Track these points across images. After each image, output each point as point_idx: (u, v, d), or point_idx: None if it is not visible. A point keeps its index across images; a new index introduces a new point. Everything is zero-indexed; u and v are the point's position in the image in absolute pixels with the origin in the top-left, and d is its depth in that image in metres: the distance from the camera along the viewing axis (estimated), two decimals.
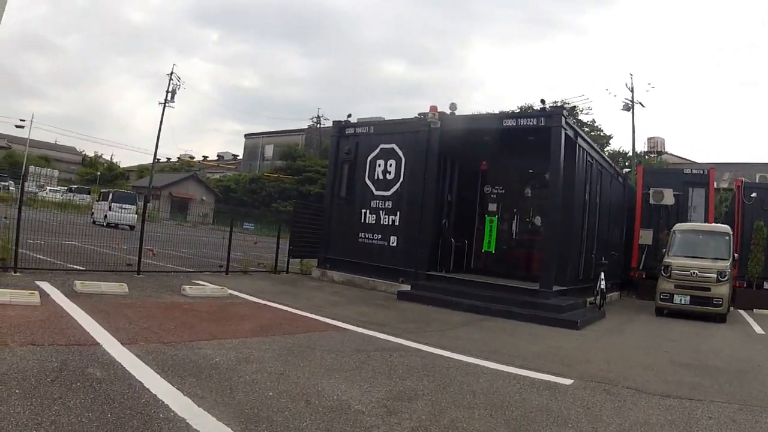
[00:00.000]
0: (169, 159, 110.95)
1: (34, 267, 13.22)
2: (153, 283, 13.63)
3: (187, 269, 17.01)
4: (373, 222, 18.49)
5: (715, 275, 16.78)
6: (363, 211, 18.82)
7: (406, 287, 16.55)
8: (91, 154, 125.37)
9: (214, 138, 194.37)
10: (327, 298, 14.80)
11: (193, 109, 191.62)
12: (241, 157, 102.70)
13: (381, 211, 18.35)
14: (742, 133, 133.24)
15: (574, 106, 57.02)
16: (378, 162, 18.62)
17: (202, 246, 20.35)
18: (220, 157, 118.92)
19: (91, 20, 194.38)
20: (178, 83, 72.27)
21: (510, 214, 18.73)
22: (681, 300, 17.02)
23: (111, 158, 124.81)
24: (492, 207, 18.85)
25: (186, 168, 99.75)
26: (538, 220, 18.30)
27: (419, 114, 17.84)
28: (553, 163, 15.44)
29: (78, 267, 14.23)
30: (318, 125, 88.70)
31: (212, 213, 44.51)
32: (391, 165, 18.30)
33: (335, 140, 20.37)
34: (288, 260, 20.08)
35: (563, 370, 8.66)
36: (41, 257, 14.32)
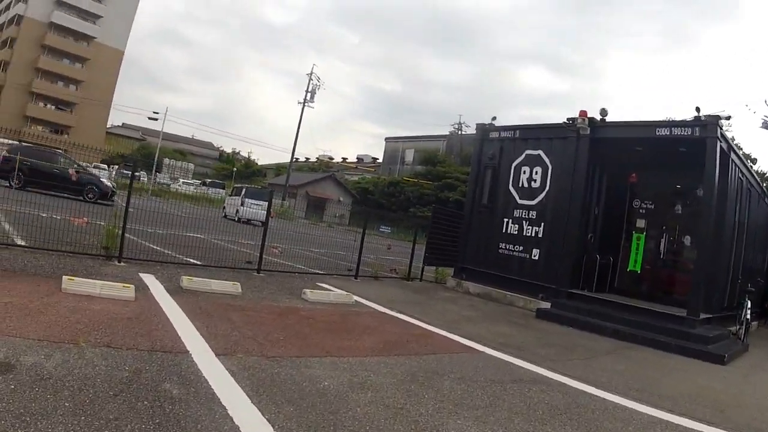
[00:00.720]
0: (307, 159, 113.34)
1: (142, 258, 12.27)
2: (272, 284, 12.88)
3: (314, 270, 16.38)
4: (515, 233, 17.37)
5: None
6: (505, 220, 17.72)
7: (546, 305, 15.43)
8: (229, 150, 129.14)
9: (352, 139, 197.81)
10: (461, 312, 13.84)
11: (332, 110, 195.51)
12: (380, 160, 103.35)
13: (524, 222, 17.23)
14: None
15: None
16: (523, 169, 17.52)
17: (334, 247, 19.69)
18: (359, 159, 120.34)
19: (230, 17, 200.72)
20: (318, 83, 74.11)
21: (658, 232, 17.03)
22: None
23: (248, 155, 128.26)
24: (640, 223, 17.35)
25: (324, 168, 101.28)
26: (687, 240, 16.67)
27: (567, 119, 16.66)
28: (708, 178, 13.95)
29: (194, 261, 13.66)
30: (459, 132, 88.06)
31: (348, 214, 44.35)
32: (536, 173, 17.16)
33: (478, 144, 19.40)
34: (422, 268, 19.29)
35: (716, 417, 7.54)
36: (156, 248, 13.96)
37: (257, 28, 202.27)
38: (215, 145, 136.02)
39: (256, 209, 30.07)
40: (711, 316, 14.75)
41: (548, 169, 16.90)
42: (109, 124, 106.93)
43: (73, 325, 6.71)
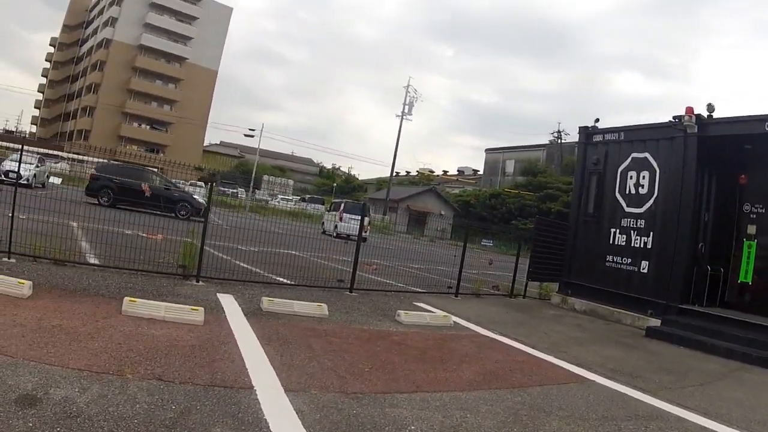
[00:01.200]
0: (408, 173, 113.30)
1: (223, 277, 11.68)
2: (364, 304, 12.03)
3: (412, 288, 15.49)
4: (623, 243, 16.01)
5: None
6: (612, 230, 16.39)
7: (656, 322, 14.10)
8: (329, 166, 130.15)
9: (451, 152, 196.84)
10: (567, 333, 12.68)
11: (431, 124, 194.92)
12: (481, 172, 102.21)
13: (632, 231, 15.86)
14: None
15: None
16: (629, 173, 16.16)
17: (435, 262, 18.40)
18: (460, 171, 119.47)
19: (323, 35, 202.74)
20: (415, 96, 74.14)
21: None
22: None
23: (348, 170, 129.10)
24: (751, 229, 15.63)
25: (424, 182, 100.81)
26: None
27: (674, 118, 15.22)
28: None
29: (283, 280, 12.99)
30: (559, 140, 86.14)
31: (450, 227, 43.31)
32: (644, 177, 15.77)
33: (581, 148, 18.14)
34: (526, 284, 18.08)
35: None
36: (244, 265, 13.45)
37: (350, 44, 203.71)
38: (315, 161, 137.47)
39: (355, 224, 29.74)
40: None
41: (656, 173, 15.50)
42: (207, 143, 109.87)
43: (124, 353, 6.08)
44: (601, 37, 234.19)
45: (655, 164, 15.56)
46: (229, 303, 9.61)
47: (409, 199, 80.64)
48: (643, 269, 15.36)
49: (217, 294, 10.17)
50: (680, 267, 14.49)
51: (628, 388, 8.15)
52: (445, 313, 11.88)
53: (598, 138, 17.46)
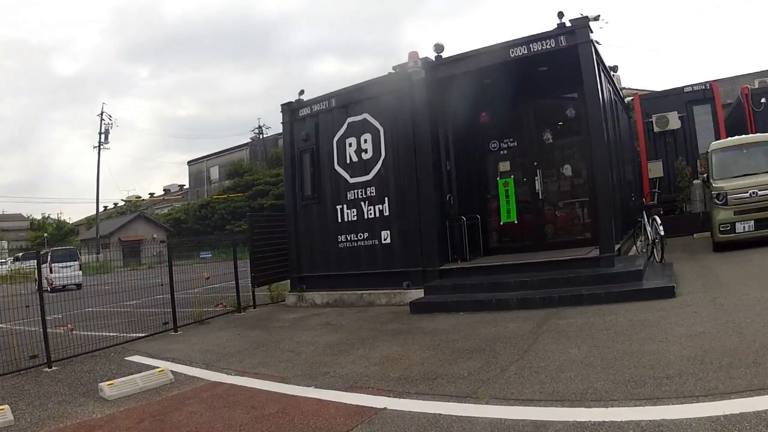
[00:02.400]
0: (116, 204, 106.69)
1: None
2: (63, 381, 8.64)
3: (126, 335, 11.98)
4: (355, 218, 13.99)
5: None
6: (338, 207, 14.29)
7: (418, 293, 12.18)
8: (38, 217, 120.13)
9: (160, 173, 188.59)
10: (319, 340, 10.09)
11: (135, 149, 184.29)
12: (187, 186, 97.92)
13: (362, 203, 13.87)
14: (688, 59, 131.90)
15: None
16: (348, 141, 14.12)
17: (154, 291, 15.23)
18: (166, 190, 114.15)
19: (20, 80, 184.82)
20: (110, 122, 69.74)
21: (529, 171, 13.97)
22: (744, 227, 13.51)
23: (58, 216, 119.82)
24: (504, 166, 14.41)
25: (132, 210, 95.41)
26: (567, 170, 13.84)
27: (394, 67, 13.44)
28: (589, 89, 11.51)
29: None
30: (260, 135, 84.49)
31: (166, 249, 39.81)
32: (365, 141, 13.81)
33: (287, 128, 15.68)
34: (253, 291, 15.35)
35: None
36: None
37: (48, 83, 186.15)
38: (25, 215, 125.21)
39: (68, 272, 26.85)
40: (620, 245, 12.41)
41: (379, 132, 13.62)
42: None
43: None
44: (301, 29, 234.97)
45: (377, 124, 13.66)
46: None
47: (119, 231, 75.52)
48: (385, 239, 13.48)
49: None
50: (430, 226, 12.77)
51: (433, 404, 5.81)
52: (160, 367, 8.62)
53: (305, 112, 15.20)
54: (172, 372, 8.41)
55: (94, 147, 68.34)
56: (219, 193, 75.58)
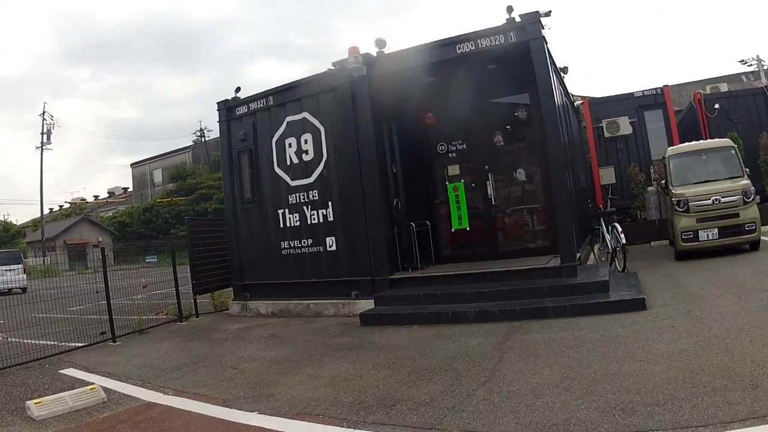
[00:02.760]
0: (61, 206, 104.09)
1: None
2: None
3: (64, 344, 10.89)
4: (297, 223, 12.87)
5: (740, 197, 12.94)
6: (280, 212, 13.13)
7: (368, 304, 11.19)
8: None
9: (104, 176, 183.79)
10: (264, 355, 9.06)
11: (78, 152, 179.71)
12: (131, 188, 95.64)
13: (305, 207, 12.75)
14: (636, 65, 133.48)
15: None
16: (287, 141, 12.99)
17: (98, 297, 14.10)
18: (110, 193, 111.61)
19: None
20: (52, 122, 67.77)
21: (480, 175, 12.97)
22: (708, 235, 12.99)
23: (5, 218, 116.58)
24: (453, 170, 13.41)
25: (77, 212, 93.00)
26: (521, 174, 12.87)
27: (333, 64, 12.34)
28: (543, 86, 10.60)
29: None
30: (202, 138, 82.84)
31: (112, 253, 38.13)
32: (306, 141, 12.70)
33: (224, 127, 14.45)
34: (194, 299, 14.14)
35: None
36: None
37: None
38: None
39: (11, 275, 25.59)
40: (580, 254, 11.55)
41: (320, 132, 12.53)
42: None
43: None
44: (236, 32, 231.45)
45: (317, 123, 12.58)
46: None
47: (64, 233, 72.93)
48: (331, 247, 12.41)
49: None
50: (378, 232, 11.75)
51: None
52: (93, 384, 7.56)
53: (242, 110, 14.02)
54: (107, 389, 7.50)
55: (37, 147, 66.39)
56: (162, 196, 73.75)
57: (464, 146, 13.40)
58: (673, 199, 13.68)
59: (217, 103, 14.52)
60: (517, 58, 10.80)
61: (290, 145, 12.91)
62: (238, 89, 14.27)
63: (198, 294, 14.25)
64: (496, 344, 7.71)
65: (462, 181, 13.14)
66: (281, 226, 13.09)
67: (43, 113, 67.04)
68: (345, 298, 11.85)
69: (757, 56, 48.24)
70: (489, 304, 9.65)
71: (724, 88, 28.69)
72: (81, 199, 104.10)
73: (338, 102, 12.20)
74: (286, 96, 13.18)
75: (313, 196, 12.61)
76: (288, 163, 12.95)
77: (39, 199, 66.37)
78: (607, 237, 12.85)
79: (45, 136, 66.63)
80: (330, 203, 12.38)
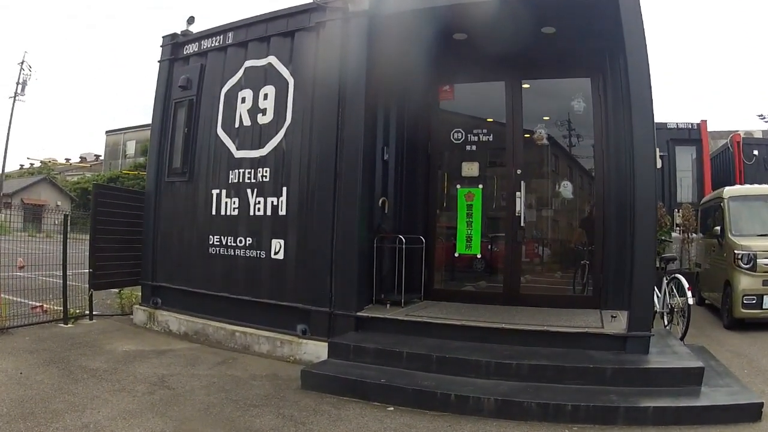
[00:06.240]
0: (32, 164, 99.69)
1: None
2: None
3: None
4: (235, 212, 8.66)
5: None
6: (214, 192, 8.91)
7: (318, 349, 7.13)
8: None
9: (81, 140, 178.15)
10: (138, 410, 5.09)
11: (56, 112, 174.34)
12: (103, 157, 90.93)
13: (249, 191, 8.54)
14: None
15: None
16: (241, 95, 8.78)
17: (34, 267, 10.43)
18: (83, 158, 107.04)
19: None
20: (29, 73, 61.90)
21: (507, 181, 8.53)
22: None
23: None
24: (470, 169, 9.07)
25: (46, 172, 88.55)
26: (566, 189, 8.59)
27: None
28: (635, 65, 6.60)
29: None
30: None
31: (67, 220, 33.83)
32: (266, 97, 8.48)
33: (164, 68, 10.14)
34: (90, 295, 9.80)
35: None
36: None
37: None
38: None
39: None
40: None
41: (288, 86, 8.29)
42: None
43: None
44: None
45: (285, 73, 8.37)
46: None
47: (23, 191, 68.08)
48: (277, 253, 8.17)
49: None
50: (349, 242, 7.52)
51: None
52: None
53: (191, 49, 9.80)
54: None
55: (10, 97, 60.58)
56: (130, 168, 69.49)
57: (490, 137, 8.91)
58: (735, 251, 10.16)
59: (163, 37, 10.26)
60: (586, 23, 7.16)
61: (243, 100, 8.69)
62: (191, 20, 10.10)
63: (97, 289, 9.92)
64: None
65: (480, 186, 8.73)
66: (213, 212, 8.90)
67: (22, 62, 61.77)
68: (287, 332, 7.72)
69: None
70: (516, 387, 5.60)
71: (758, 135, 25.33)
72: (52, 160, 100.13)
73: (321, 46, 7.95)
74: (250, 32, 8.94)
75: (262, 177, 8.39)
76: (236, 124, 8.75)
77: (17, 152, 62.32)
78: (665, 290, 8.96)
79: (20, 86, 60.98)
80: (285, 190, 8.15)
